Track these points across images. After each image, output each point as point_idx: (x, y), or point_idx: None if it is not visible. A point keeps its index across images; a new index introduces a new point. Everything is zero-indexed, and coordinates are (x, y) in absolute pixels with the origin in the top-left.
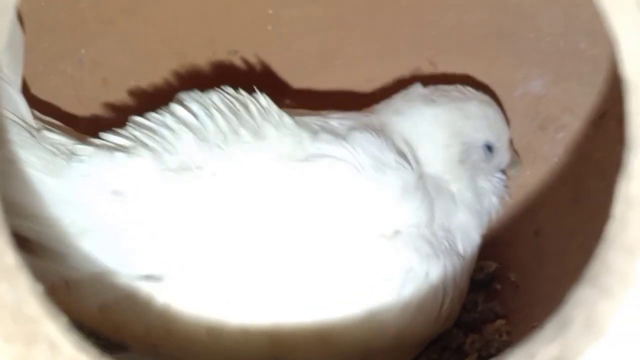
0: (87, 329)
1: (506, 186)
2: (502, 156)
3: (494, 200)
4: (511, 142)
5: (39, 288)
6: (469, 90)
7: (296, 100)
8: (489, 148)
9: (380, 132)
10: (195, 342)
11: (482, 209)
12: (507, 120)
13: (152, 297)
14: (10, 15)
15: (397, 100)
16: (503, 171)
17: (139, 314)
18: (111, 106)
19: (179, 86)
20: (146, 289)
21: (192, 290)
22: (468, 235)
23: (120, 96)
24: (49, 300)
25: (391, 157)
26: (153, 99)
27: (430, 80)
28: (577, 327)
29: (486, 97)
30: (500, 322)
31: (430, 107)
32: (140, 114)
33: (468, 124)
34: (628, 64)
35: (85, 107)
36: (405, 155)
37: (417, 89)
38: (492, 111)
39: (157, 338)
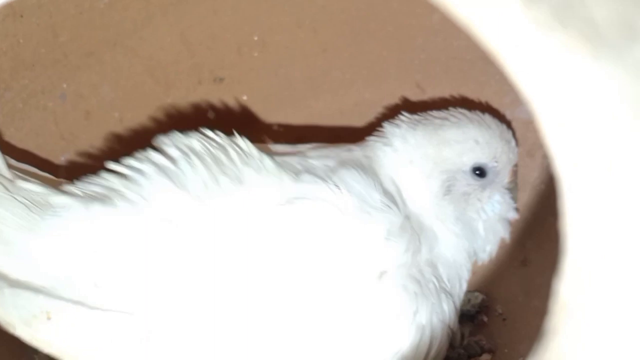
0: None
1: (512, 205)
2: (502, 175)
3: (490, 228)
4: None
5: None
6: (458, 113)
7: (283, 126)
8: (480, 170)
9: (367, 169)
10: None
11: (468, 242)
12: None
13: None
14: None
15: (381, 133)
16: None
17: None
18: (96, 141)
19: (164, 117)
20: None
21: (177, 345)
22: (455, 271)
23: (104, 130)
24: None
25: (377, 197)
26: (138, 132)
27: (419, 104)
28: None
29: (478, 117)
30: (485, 357)
31: (408, 139)
32: (126, 149)
33: (448, 149)
34: (559, 163)
35: (68, 142)
36: (391, 194)
37: (400, 119)
38: (482, 131)
39: None
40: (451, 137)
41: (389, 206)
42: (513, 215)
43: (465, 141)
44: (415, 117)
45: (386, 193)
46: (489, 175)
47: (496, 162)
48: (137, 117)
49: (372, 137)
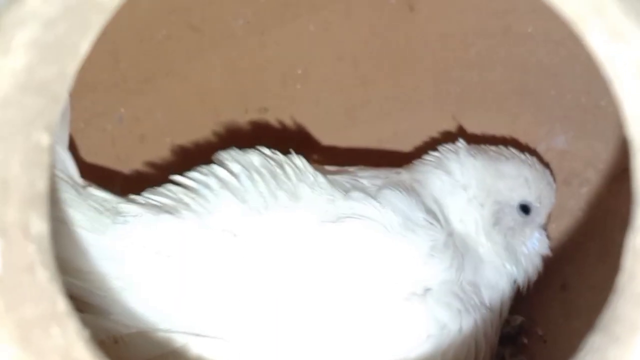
0: None
1: (547, 243)
2: (542, 216)
3: (530, 261)
4: None
5: (86, 333)
6: (510, 150)
7: (324, 155)
8: (526, 208)
9: (411, 190)
10: None
11: (515, 269)
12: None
13: (199, 354)
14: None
15: (433, 156)
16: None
17: None
18: (148, 163)
19: (214, 142)
20: (193, 346)
21: (234, 351)
22: (498, 295)
23: (157, 152)
24: (94, 345)
25: (420, 216)
26: (189, 156)
27: (456, 135)
28: None
29: (528, 158)
30: None
31: (466, 165)
32: (177, 171)
33: (503, 183)
34: (631, 125)
35: (124, 163)
36: (434, 213)
37: (458, 146)
38: (532, 171)
39: None
40: (507, 171)
41: (432, 223)
42: (547, 252)
43: (518, 177)
44: (472, 146)
45: (429, 211)
46: (532, 214)
47: (539, 203)
48: (188, 142)
49: (421, 160)
